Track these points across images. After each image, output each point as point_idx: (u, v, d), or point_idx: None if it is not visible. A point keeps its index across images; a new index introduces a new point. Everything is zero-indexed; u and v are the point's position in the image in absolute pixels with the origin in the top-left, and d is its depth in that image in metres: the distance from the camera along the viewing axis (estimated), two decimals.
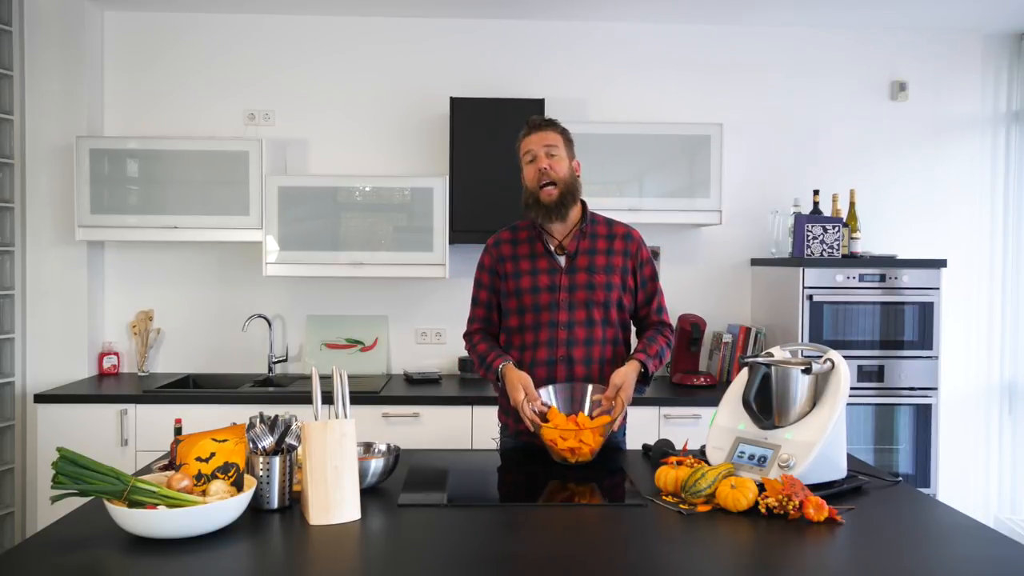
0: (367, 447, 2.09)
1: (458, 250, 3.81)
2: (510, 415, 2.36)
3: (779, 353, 2.04)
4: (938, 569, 1.49)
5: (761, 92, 4.00)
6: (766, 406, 1.97)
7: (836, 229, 3.59)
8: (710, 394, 3.51)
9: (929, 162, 4.04)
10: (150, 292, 3.91)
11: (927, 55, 4.02)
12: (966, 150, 4.05)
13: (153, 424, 3.30)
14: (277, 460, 1.75)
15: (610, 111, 3.96)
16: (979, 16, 3.83)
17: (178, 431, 2.68)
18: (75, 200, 3.56)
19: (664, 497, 1.86)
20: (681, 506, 1.80)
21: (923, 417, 3.54)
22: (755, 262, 4.00)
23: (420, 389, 3.53)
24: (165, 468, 1.85)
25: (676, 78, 3.99)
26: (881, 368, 3.52)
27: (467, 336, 2.46)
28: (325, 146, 3.93)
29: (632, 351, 2.35)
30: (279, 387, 3.64)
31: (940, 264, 3.55)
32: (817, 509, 1.68)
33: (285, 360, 3.91)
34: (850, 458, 2.08)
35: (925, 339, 3.53)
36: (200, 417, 3.16)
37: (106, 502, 1.56)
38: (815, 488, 1.82)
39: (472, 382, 3.71)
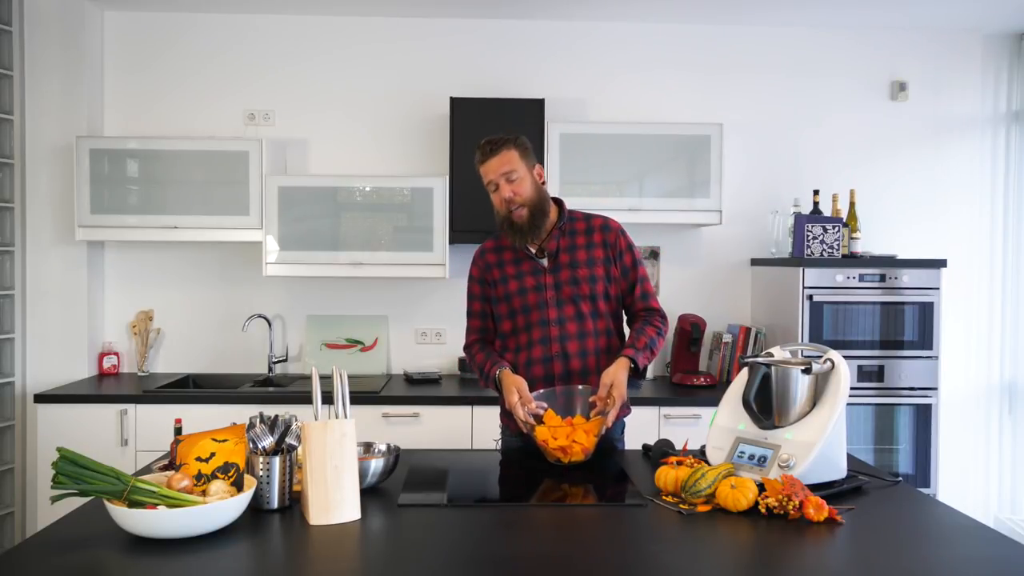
0: (367, 447, 2.09)
1: (458, 250, 3.81)
2: (511, 417, 2.37)
3: (779, 353, 2.04)
4: (938, 569, 1.49)
5: (761, 92, 4.00)
6: (766, 406, 1.97)
7: (836, 229, 3.59)
8: (710, 394, 3.51)
9: (929, 162, 4.04)
10: (150, 292, 3.91)
11: (927, 55, 4.02)
12: (966, 150, 4.05)
13: (153, 424, 3.30)
14: (277, 460, 1.75)
15: (610, 111, 3.96)
16: (979, 16, 3.83)
17: (178, 431, 2.68)
18: (75, 200, 3.56)
19: (664, 497, 1.86)
20: (681, 506, 1.80)
21: (923, 417, 3.54)
22: (755, 262, 4.00)
23: (420, 389, 3.53)
24: (165, 468, 1.85)
25: (676, 78, 3.99)
26: (881, 368, 3.52)
27: (467, 349, 2.49)
28: (325, 146, 3.93)
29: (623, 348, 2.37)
30: (279, 387, 3.64)
31: (940, 264, 3.55)
32: (817, 509, 1.68)
33: (285, 360, 3.91)
34: (850, 458, 2.08)
35: (925, 339, 3.53)
36: (200, 417, 3.16)
37: (106, 502, 1.56)
38: (815, 488, 1.82)
39: (472, 382, 3.71)
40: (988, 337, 4.11)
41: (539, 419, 2.19)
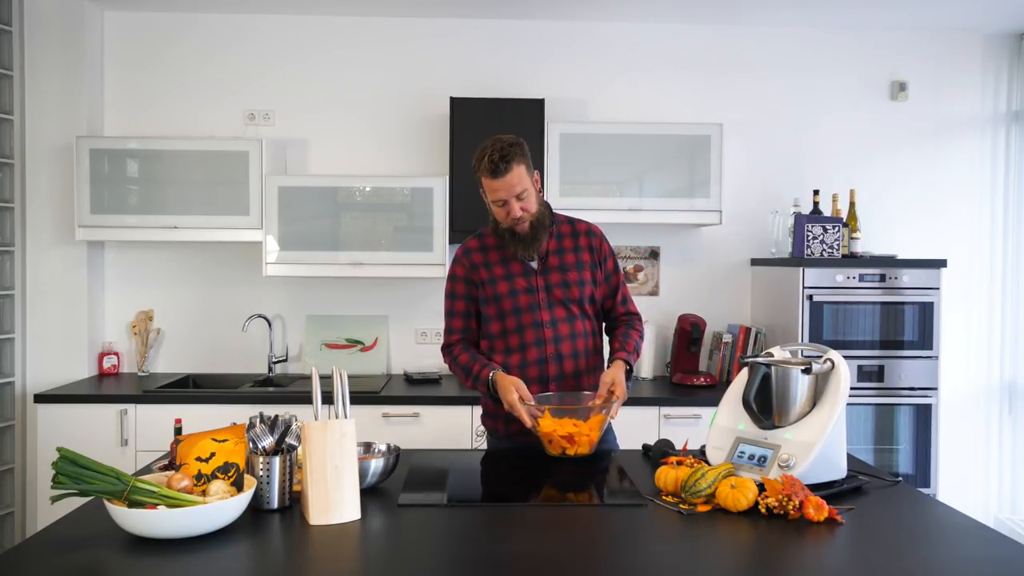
0: (367, 447, 2.09)
1: None
2: (500, 419, 2.38)
3: (779, 353, 2.04)
4: (938, 569, 1.49)
5: (761, 92, 4.00)
6: (766, 406, 1.97)
7: (836, 229, 3.59)
8: (710, 394, 3.51)
9: (929, 162, 4.04)
10: (150, 292, 3.91)
11: (927, 55, 4.02)
12: (966, 150, 4.05)
13: (153, 424, 3.30)
14: (277, 460, 1.75)
15: (610, 111, 3.96)
16: (979, 16, 3.83)
17: (178, 431, 2.68)
18: (75, 200, 3.56)
19: (664, 497, 1.86)
20: (681, 506, 1.80)
21: (923, 417, 3.54)
22: (755, 262, 4.00)
23: (420, 389, 3.53)
24: (165, 468, 1.85)
25: (676, 78, 3.99)
26: (881, 368, 3.52)
27: (446, 349, 2.46)
28: (325, 146, 3.93)
29: (612, 351, 2.40)
30: (279, 387, 3.64)
31: (940, 264, 3.55)
32: (817, 509, 1.68)
33: (285, 360, 3.91)
34: (850, 458, 2.08)
35: (925, 339, 3.53)
36: (200, 417, 3.16)
37: (106, 502, 1.56)
38: (815, 488, 1.82)
39: None
40: (988, 337, 4.11)
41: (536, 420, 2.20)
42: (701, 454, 2.10)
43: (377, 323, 3.95)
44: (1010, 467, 4.09)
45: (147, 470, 1.97)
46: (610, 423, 2.44)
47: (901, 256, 3.80)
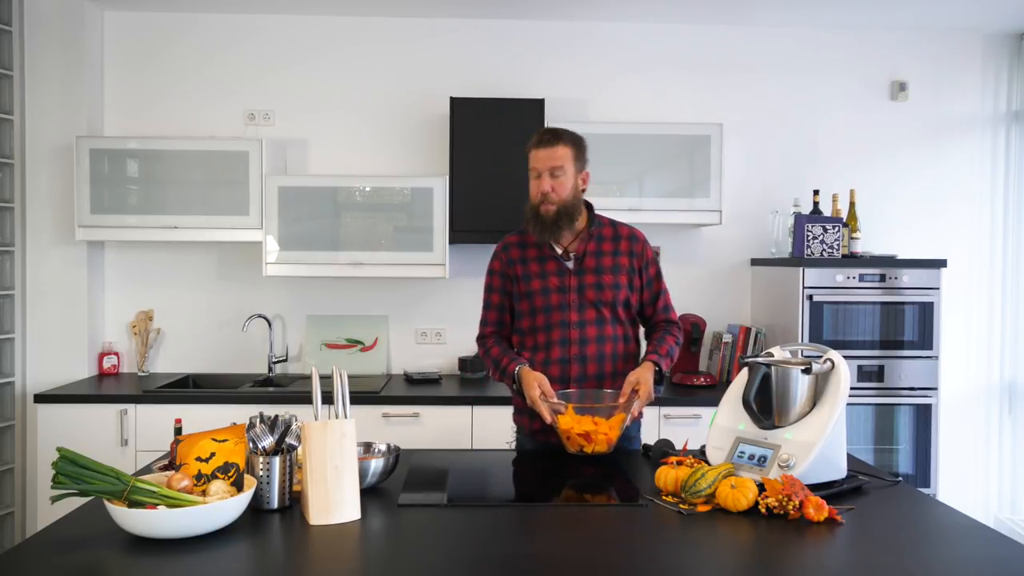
0: (367, 447, 2.09)
1: (458, 250, 3.81)
2: (525, 414, 2.38)
3: (779, 353, 2.04)
4: (938, 569, 1.49)
5: (761, 92, 4.00)
6: (766, 406, 1.97)
7: (836, 229, 3.59)
8: (710, 394, 3.51)
9: (929, 162, 4.04)
10: (150, 292, 3.91)
11: (927, 55, 4.02)
12: (966, 150, 4.05)
13: (153, 424, 3.30)
14: (277, 460, 1.75)
15: (610, 111, 3.96)
16: (979, 16, 3.83)
17: (178, 431, 2.68)
18: (75, 200, 3.56)
19: (664, 497, 1.86)
20: (681, 506, 1.80)
21: (923, 417, 3.54)
22: (755, 262, 4.00)
23: (420, 389, 3.53)
24: (165, 468, 1.85)
25: (676, 78, 3.99)
26: (881, 368, 3.52)
27: (480, 340, 2.50)
28: (325, 146, 3.93)
29: (644, 353, 2.39)
30: (279, 387, 3.64)
31: (940, 264, 3.55)
32: (817, 509, 1.68)
33: (285, 360, 3.91)
34: (850, 458, 2.08)
35: (925, 339, 3.53)
36: (200, 417, 3.16)
37: (106, 502, 1.56)
38: (815, 488, 1.82)
39: (472, 382, 3.71)
40: (988, 337, 4.11)
41: (561, 412, 2.18)
42: (701, 454, 2.10)
43: (377, 323, 3.95)
44: (1010, 467, 4.09)
45: (147, 470, 1.97)
46: (639, 423, 2.44)
47: (901, 256, 3.80)
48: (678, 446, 2.24)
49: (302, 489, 1.74)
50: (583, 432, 2.14)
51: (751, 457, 1.91)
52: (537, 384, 2.22)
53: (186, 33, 3.90)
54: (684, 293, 3.98)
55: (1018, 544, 1.58)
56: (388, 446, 2.08)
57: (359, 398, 3.31)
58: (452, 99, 3.64)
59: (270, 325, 3.86)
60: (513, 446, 2.53)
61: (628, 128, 3.67)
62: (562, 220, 2.31)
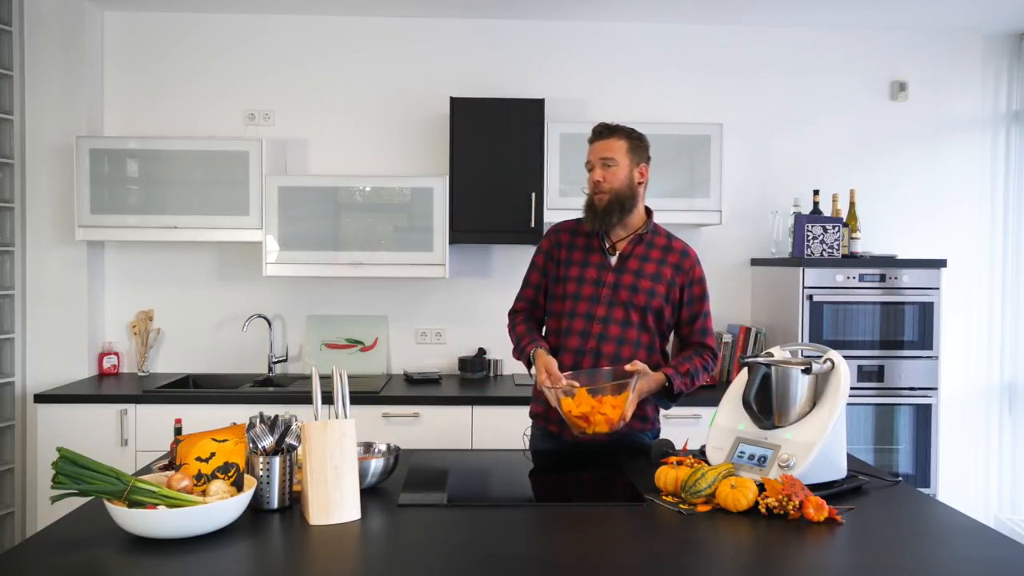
0: (367, 447, 2.09)
1: (458, 250, 3.81)
2: (540, 402, 2.38)
3: (779, 353, 2.04)
4: (938, 569, 1.49)
5: (761, 92, 4.00)
6: (766, 406, 1.97)
7: (836, 229, 3.59)
8: (710, 394, 3.49)
9: (929, 162, 4.04)
10: (150, 292, 3.91)
11: (927, 55, 4.02)
12: (966, 150, 4.05)
13: (153, 424, 3.30)
14: (277, 460, 1.75)
15: (610, 111, 3.94)
16: (979, 16, 3.83)
17: (178, 431, 2.68)
18: (75, 200, 3.56)
19: (664, 497, 1.86)
20: (681, 506, 1.80)
21: (923, 417, 3.54)
22: (755, 262, 4.00)
23: (420, 389, 3.53)
24: (165, 468, 1.85)
25: (676, 78, 3.99)
26: (881, 368, 3.52)
27: (511, 314, 2.51)
28: (325, 146, 3.93)
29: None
30: (279, 387, 3.64)
31: (940, 264, 3.55)
32: (817, 509, 1.68)
33: (285, 360, 3.91)
34: (850, 458, 2.08)
35: (925, 339, 3.53)
36: (200, 417, 3.16)
37: (106, 502, 1.56)
38: (815, 488, 1.82)
39: (472, 382, 3.71)
40: (988, 337, 4.11)
41: (570, 395, 2.14)
42: (701, 454, 2.10)
43: (377, 323, 3.95)
44: (1010, 467, 4.09)
45: (147, 470, 1.97)
46: (656, 416, 2.42)
47: (901, 256, 3.80)
48: (678, 446, 2.24)
49: (302, 489, 1.74)
50: (581, 414, 2.10)
51: (751, 457, 1.91)
52: (544, 368, 2.20)
53: (186, 33, 3.90)
54: None
55: (1018, 544, 1.58)
56: (388, 446, 2.08)
57: (359, 398, 3.31)
58: (452, 99, 3.64)
59: (270, 325, 3.86)
60: (527, 444, 2.51)
61: None
62: (613, 209, 2.31)
